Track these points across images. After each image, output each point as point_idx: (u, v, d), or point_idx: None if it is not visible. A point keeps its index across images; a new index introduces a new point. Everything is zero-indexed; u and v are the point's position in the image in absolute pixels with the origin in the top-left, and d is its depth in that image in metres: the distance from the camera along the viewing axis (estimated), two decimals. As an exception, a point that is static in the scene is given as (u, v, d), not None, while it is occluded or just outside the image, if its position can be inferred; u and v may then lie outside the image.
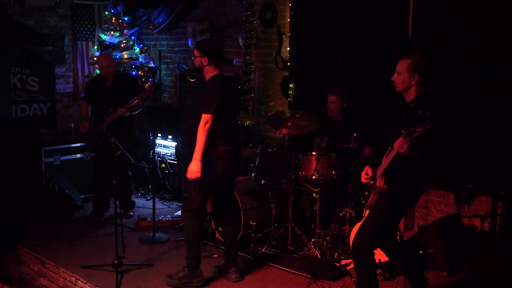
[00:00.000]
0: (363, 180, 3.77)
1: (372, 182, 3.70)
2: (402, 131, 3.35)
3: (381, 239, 3.77)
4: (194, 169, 4.16)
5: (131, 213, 6.25)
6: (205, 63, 4.31)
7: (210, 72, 4.35)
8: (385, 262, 4.38)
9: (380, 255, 4.22)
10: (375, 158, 3.77)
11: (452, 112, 4.89)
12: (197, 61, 4.35)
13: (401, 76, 3.61)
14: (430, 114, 3.28)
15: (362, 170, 3.80)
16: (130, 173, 6.22)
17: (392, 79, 3.68)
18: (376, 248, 3.76)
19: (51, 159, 6.52)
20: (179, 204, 6.60)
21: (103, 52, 7.21)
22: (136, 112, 5.97)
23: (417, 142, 3.33)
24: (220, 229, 5.17)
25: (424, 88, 3.60)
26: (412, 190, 3.66)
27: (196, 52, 4.34)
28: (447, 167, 4.98)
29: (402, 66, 3.62)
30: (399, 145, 3.38)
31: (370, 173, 3.71)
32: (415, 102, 3.59)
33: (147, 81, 7.41)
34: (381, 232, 3.69)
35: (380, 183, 3.62)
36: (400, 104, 3.74)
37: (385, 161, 3.58)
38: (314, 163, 4.95)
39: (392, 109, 4.07)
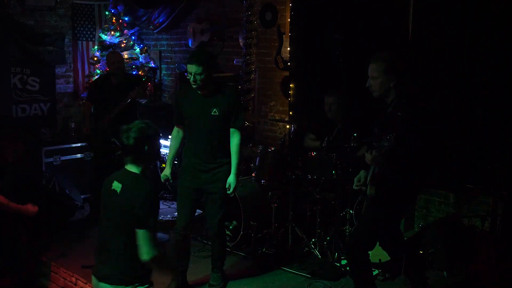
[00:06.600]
0: (355, 187, 3.75)
1: (364, 188, 3.69)
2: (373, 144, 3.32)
3: (374, 243, 3.75)
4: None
5: None
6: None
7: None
8: (385, 262, 4.38)
9: (380, 255, 4.22)
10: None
11: (452, 112, 4.89)
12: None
13: (377, 80, 3.48)
14: (405, 117, 3.23)
15: (359, 169, 3.80)
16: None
17: (367, 85, 3.54)
18: (370, 250, 3.75)
19: (51, 159, 6.52)
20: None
21: (111, 50, 7.18)
22: (142, 101, 5.92)
23: (391, 153, 3.26)
24: None
25: (402, 89, 3.49)
26: (401, 194, 3.60)
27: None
28: (445, 167, 4.98)
29: (376, 69, 3.48)
30: (371, 160, 3.35)
31: (362, 180, 3.70)
32: (393, 105, 3.50)
33: (147, 81, 7.41)
34: (372, 237, 3.67)
35: (370, 190, 3.60)
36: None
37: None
38: (314, 163, 4.94)
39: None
